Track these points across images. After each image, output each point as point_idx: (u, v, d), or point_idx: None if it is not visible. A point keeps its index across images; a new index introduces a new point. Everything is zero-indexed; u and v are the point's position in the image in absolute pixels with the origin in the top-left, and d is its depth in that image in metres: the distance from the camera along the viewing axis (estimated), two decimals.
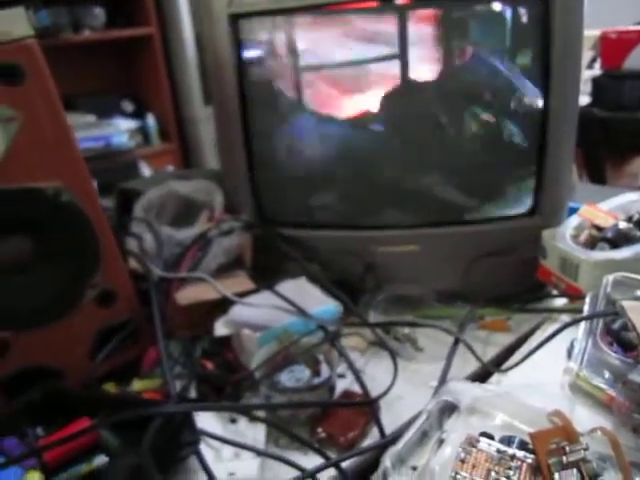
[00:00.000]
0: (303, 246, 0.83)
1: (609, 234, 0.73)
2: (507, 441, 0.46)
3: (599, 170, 1.95)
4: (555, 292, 0.79)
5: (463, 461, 0.44)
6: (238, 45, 0.76)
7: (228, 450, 0.58)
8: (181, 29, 2.48)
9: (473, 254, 0.81)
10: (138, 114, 2.57)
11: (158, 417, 0.52)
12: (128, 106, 2.57)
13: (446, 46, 0.75)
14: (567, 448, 0.43)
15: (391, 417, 0.62)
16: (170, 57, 2.55)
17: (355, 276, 0.82)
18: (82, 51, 2.32)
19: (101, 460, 0.54)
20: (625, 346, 0.58)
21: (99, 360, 0.68)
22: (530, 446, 0.45)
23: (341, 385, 0.67)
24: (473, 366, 0.69)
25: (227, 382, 0.66)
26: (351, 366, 0.68)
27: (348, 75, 0.78)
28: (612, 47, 2.00)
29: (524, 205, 0.81)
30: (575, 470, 0.40)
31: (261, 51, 0.78)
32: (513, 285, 0.81)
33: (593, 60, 2.18)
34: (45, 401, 0.60)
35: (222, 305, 0.73)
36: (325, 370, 0.64)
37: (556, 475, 0.41)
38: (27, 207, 0.60)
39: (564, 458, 0.42)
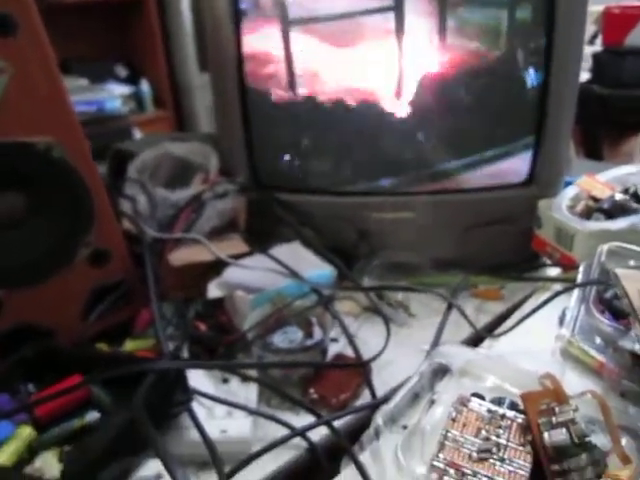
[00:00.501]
0: (297, 211, 0.82)
1: (605, 205, 0.73)
2: (498, 402, 0.47)
3: (596, 147, 1.94)
4: (549, 262, 0.80)
5: (454, 420, 0.45)
6: (236, 2, 0.75)
7: (220, 409, 0.58)
8: None
9: (469, 222, 0.80)
10: (132, 80, 2.52)
11: (151, 373, 0.52)
12: (122, 71, 2.53)
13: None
14: (557, 409, 0.43)
15: (383, 380, 0.63)
16: (165, 22, 2.50)
17: (349, 242, 0.82)
18: (75, 13, 2.27)
19: (93, 416, 0.54)
20: (617, 314, 0.58)
21: (91, 320, 0.67)
22: (520, 407, 0.46)
23: (334, 349, 0.68)
24: (465, 333, 0.70)
25: (220, 343, 0.66)
26: (344, 329, 0.68)
27: (342, 28, 0.76)
28: (614, 23, 1.98)
29: (521, 174, 0.80)
30: (564, 429, 0.41)
31: (259, 8, 0.76)
32: (508, 255, 0.81)
33: (594, 36, 2.15)
34: (38, 358, 0.59)
35: (216, 267, 0.72)
36: (318, 332, 0.64)
37: (545, 434, 0.41)
38: (18, 161, 0.59)
39: (553, 419, 0.43)
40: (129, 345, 0.68)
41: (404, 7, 0.72)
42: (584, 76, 1.93)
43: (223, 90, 0.80)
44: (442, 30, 0.74)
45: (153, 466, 0.51)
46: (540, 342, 0.60)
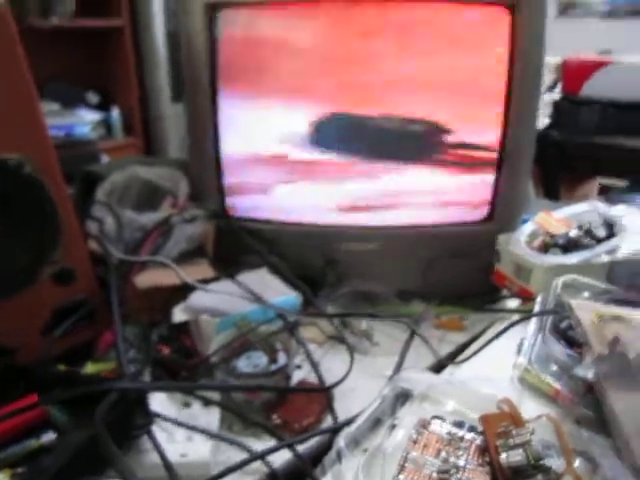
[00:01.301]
0: (265, 239, 0.83)
1: (561, 241, 0.77)
2: (457, 425, 0.48)
3: (554, 189, 2.02)
4: (509, 294, 0.82)
5: (415, 442, 0.45)
6: (211, 33, 0.77)
7: (181, 433, 0.57)
8: (152, 24, 2.46)
9: (432, 255, 0.83)
10: (103, 106, 2.52)
11: (111, 393, 0.52)
12: (93, 98, 2.53)
13: None
14: (514, 431, 0.44)
15: (345, 407, 0.63)
16: (140, 51, 2.52)
17: (316, 270, 0.83)
18: (50, 37, 2.27)
19: (49, 437, 0.53)
20: (571, 343, 0.60)
21: (54, 337, 0.66)
22: (479, 430, 0.47)
23: (297, 376, 0.68)
24: (427, 362, 0.71)
25: (183, 366, 0.65)
26: (308, 355, 0.69)
27: None
28: (572, 73, 2.08)
29: (481, 213, 0.83)
30: (521, 450, 0.42)
31: (235, 41, 0.78)
32: (470, 286, 0.83)
33: (554, 84, 2.26)
34: None
35: (182, 291, 0.72)
36: (282, 357, 0.64)
37: (503, 455, 0.43)
38: None
39: (511, 440, 0.44)
40: (90, 367, 0.67)
41: None
42: (544, 122, 2.02)
43: (197, 121, 0.82)
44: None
45: None
46: (499, 370, 0.61)
